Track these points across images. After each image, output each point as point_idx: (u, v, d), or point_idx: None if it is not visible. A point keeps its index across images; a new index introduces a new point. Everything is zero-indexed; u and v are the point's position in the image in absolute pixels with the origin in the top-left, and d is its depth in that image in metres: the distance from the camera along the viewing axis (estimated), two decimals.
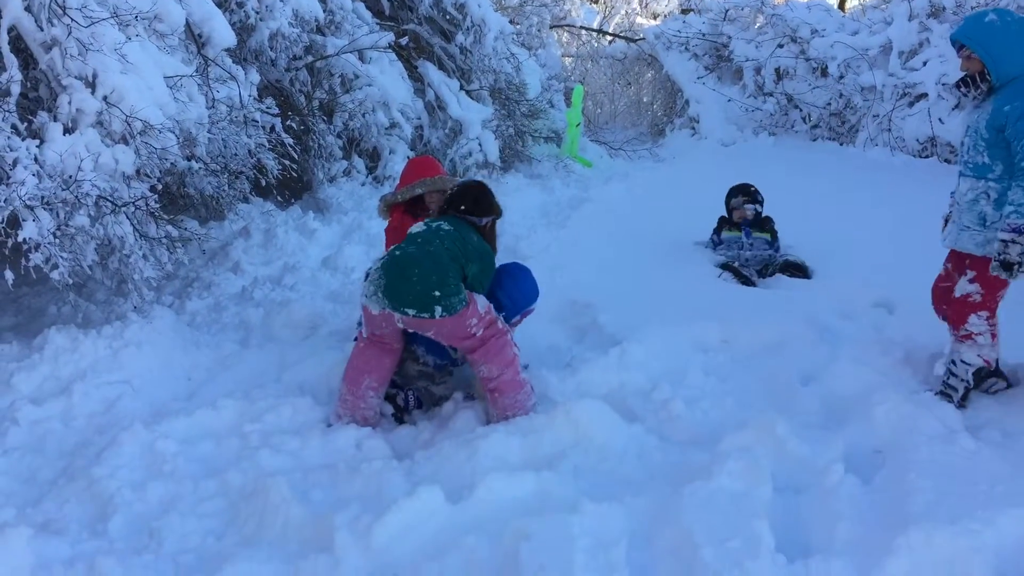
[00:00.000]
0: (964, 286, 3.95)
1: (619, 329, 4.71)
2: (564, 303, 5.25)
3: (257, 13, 6.77)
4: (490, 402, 3.86)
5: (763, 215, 6.55)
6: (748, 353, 4.55)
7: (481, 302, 3.84)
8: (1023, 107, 3.59)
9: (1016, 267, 3.57)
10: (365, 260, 6.49)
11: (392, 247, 3.95)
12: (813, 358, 4.36)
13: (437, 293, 3.65)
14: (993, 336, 3.96)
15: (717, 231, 6.58)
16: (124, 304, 5.02)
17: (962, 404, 3.92)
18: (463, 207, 4.09)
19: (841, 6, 23.53)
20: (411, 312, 3.68)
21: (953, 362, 3.98)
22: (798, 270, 6.04)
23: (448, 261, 3.75)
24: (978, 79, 3.77)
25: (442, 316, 3.67)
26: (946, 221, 4.26)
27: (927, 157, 10.61)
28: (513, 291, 4.19)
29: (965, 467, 3.13)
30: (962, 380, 3.93)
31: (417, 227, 3.99)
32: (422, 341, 4.13)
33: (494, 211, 4.18)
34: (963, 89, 3.85)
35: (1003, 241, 3.60)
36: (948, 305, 4.07)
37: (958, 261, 4.07)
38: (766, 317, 4.99)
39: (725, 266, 6.02)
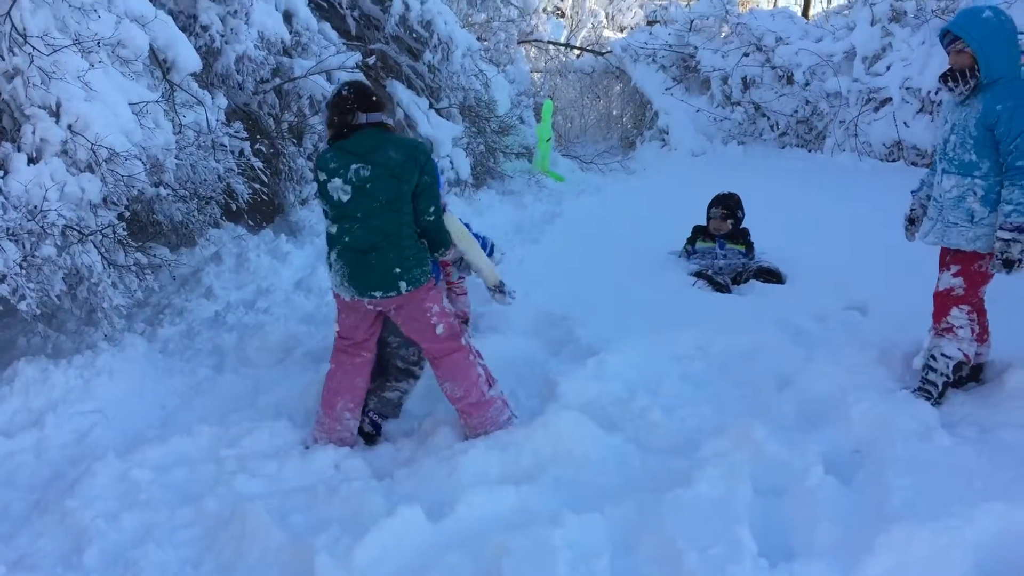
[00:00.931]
0: (947, 279, 4.01)
1: (596, 340, 4.72)
2: (540, 316, 5.24)
3: (222, 36, 6.73)
4: (463, 422, 3.85)
5: (741, 227, 6.58)
6: (724, 359, 4.57)
7: (446, 302, 3.89)
8: (1015, 107, 3.64)
9: (1016, 264, 3.66)
10: None
11: (334, 227, 3.75)
12: (788, 362, 4.38)
13: (398, 270, 3.66)
14: (973, 331, 4.01)
15: (691, 241, 6.60)
16: (95, 333, 4.96)
17: (940, 400, 3.96)
18: (354, 104, 3.67)
19: (805, 12, 23.85)
20: (378, 294, 3.69)
21: (932, 356, 4.02)
22: (772, 276, 6.07)
23: (396, 227, 3.64)
24: (967, 74, 3.75)
25: (408, 290, 3.69)
26: (911, 221, 4.31)
27: (894, 161, 10.74)
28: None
29: (942, 463, 3.15)
30: (941, 374, 3.97)
31: (338, 188, 3.66)
32: (396, 332, 4.14)
33: (388, 111, 3.96)
34: (950, 83, 3.83)
35: (1004, 240, 3.67)
36: (984, 329, 4.13)
37: (941, 258, 4.11)
38: (741, 323, 5.03)
39: (699, 274, 6.04)
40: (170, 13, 6.37)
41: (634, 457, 3.52)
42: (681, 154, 11.79)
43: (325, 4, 8.67)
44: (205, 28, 6.59)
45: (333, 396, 3.88)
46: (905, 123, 10.59)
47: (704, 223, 6.67)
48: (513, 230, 8.09)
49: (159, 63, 5.65)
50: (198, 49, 6.29)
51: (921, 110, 10.55)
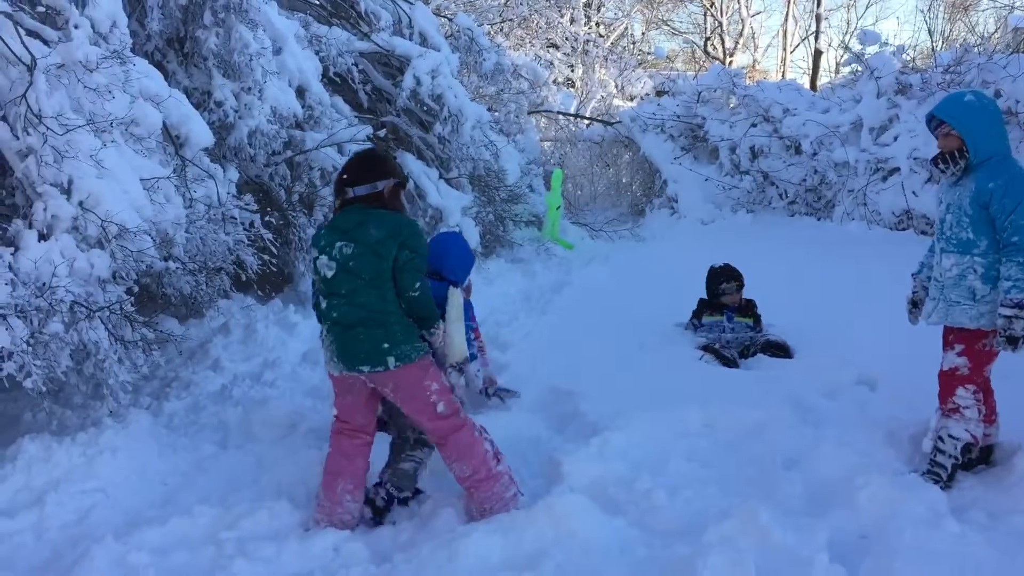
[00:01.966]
0: (951, 359, 4.00)
1: (600, 417, 4.68)
2: (545, 391, 5.22)
3: (236, 112, 6.87)
4: (468, 498, 3.81)
5: (747, 299, 6.57)
6: (730, 437, 4.52)
7: (441, 376, 3.84)
8: (1006, 184, 3.73)
9: (1021, 341, 3.65)
10: None
11: (324, 303, 3.77)
12: (796, 441, 4.33)
13: (386, 345, 3.63)
14: (979, 411, 3.97)
15: (697, 315, 6.58)
16: (100, 408, 4.96)
17: (949, 483, 3.90)
18: (346, 177, 3.74)
19: (812, 85, 24.16)
20: (366, 369, 3.66)
21: (940, 438, 3.98)
22: (780, 350, 6.03)
23: (380, 303, 3.63)
24: (956, 156, 3.87)
25: (397, 366, 3.64)
26: (913, 304, 4.30)
27: (904, 230, 10.74)
28: (456, 264, 4.65)
29: (951, 553, 3.09)
30: (950, 456, 3.93)
31: (324, 265, 3.71)
32: None
33: (390, 174, 3.78)
34: (941, 165, 3.95)
35: (1007, 317, 3.69)
36: (991, 410, 4.11)
37: (945, 337, 4.09)
38: (748, 399, 4.99)
39: (706, 348, 6.01)
40: (185, 90, 6.52)
41: (638, 543, 3.46)
42: (690, 222, 11.85)
43: (338, 79, 8.83)
44: (219, 104, 6.73)
45: (333, 479, 3.85)
46: (914, 192, 10.61)
47: (705, 296, 6.65)
48: (522, 299, 8.11)
49: (172, 139, 5.76)
50: (211, 124, 6.42)
51: (929, 179, 10.56)
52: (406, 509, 4.07)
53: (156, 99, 5.33)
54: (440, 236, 5.06)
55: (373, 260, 3.61)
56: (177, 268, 5.46)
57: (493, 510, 3.73)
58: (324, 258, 3.71)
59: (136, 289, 4.98)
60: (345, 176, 3.76)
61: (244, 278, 6.71)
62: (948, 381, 4.00)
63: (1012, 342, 3.69)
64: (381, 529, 3.86)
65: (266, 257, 6.75)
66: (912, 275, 4.38)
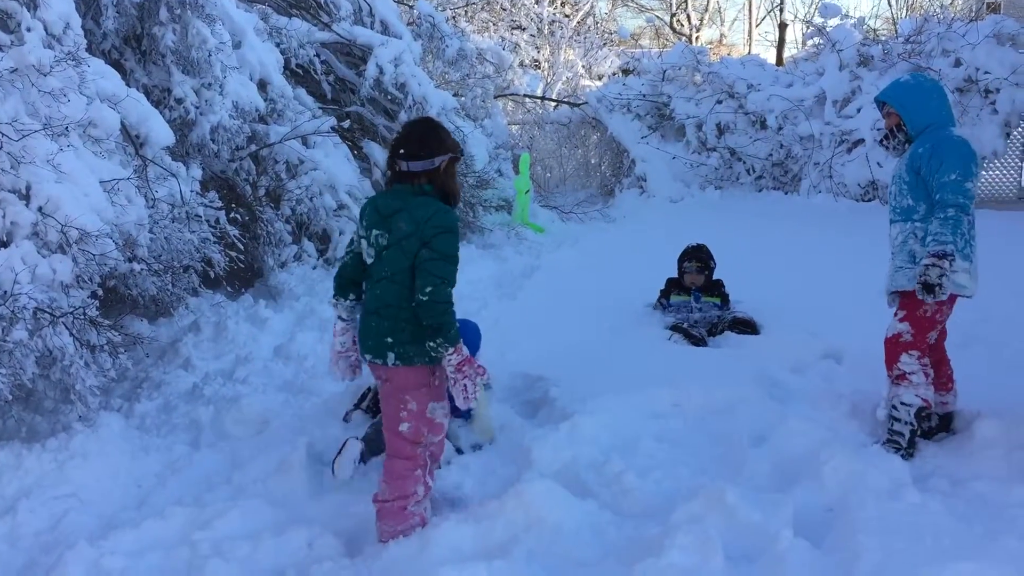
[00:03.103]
0: (895, 325, 4.16)
1: (571, 402, 4.71)
2: (516, 377, 5.25)
3: (197, 108, 6.82)
4: (376, 515, 3.66)
5: (714, 279, 6.63)
6: (700, 416, 4.58)
7: (438, 406, 3.61)
8: (932, 147, 3.95)
9: (937, 288, 3.76)
10: (318, 347, 6.46)
11: (366, 284, 3.68)
12: (764, 417, 4.40)
13: (389, 339, 3.49)
14: (926, 375, 4.09)
15: (665, 294, 6.64)
16: (70, 413, 4.93)
17: (910, 451, 3.98)
18: (403, 151, 3.46)
19: (779, 58, 24.24)
20: (369, 357, 3.60)
21: (894, 406, 4.10)
22: (747, 326, 6.09)
23: (396, 299, 3.45)
24: (895, 131, 4.18)
25: (395, 364, 3.50)
26: None
27: (869, 200, 10.87)
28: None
29: (912, 522, 3.14)
30: (906, 423, 4.03)
31: (366, 251, 3.58)
32: None
33: (449, 148, 3.50)
34: (886, 142, 4.28)
35: (924, 266, 3.83)
36: (948, 379, 4.30)
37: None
38: (717, 377, 5.05)
39: (675, 327, 6.06)
40: (143, 88, 6.47)
41: (609, 525, 3.50)
42: (660, 200, 11.92)
43: (300, 71, 8.78)
44: (179, 101, 6.68)
45: None
46: (879, 163, 10.73)
47: (675, 275, 6.72)
48: (493, 285, 8.12)
49: (131, 139, 5.72)
50: (172, 121, 6.37)
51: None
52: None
53: (113, 99, 5.28)
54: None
55: (399, 256, 3.42)
56: (142, 269, 5.42)
57: (390, 536, 3.58)
58: (365, 243, 3.57)
59: (100, 293, 4.95)
60: (401, 149, 3.47)
61: (212, 275, 6.68)
62: (892, 348, 4.15)
63: (928, 289, 3.78)
64: (354, 521, 3.86)
65: (233, 254, 6.72)
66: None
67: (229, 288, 7.53)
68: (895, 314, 4.17)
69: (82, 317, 4.59)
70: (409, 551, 3.40)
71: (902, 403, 4.05)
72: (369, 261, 3.58)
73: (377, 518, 3.63)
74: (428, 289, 3.34)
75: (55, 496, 4.18)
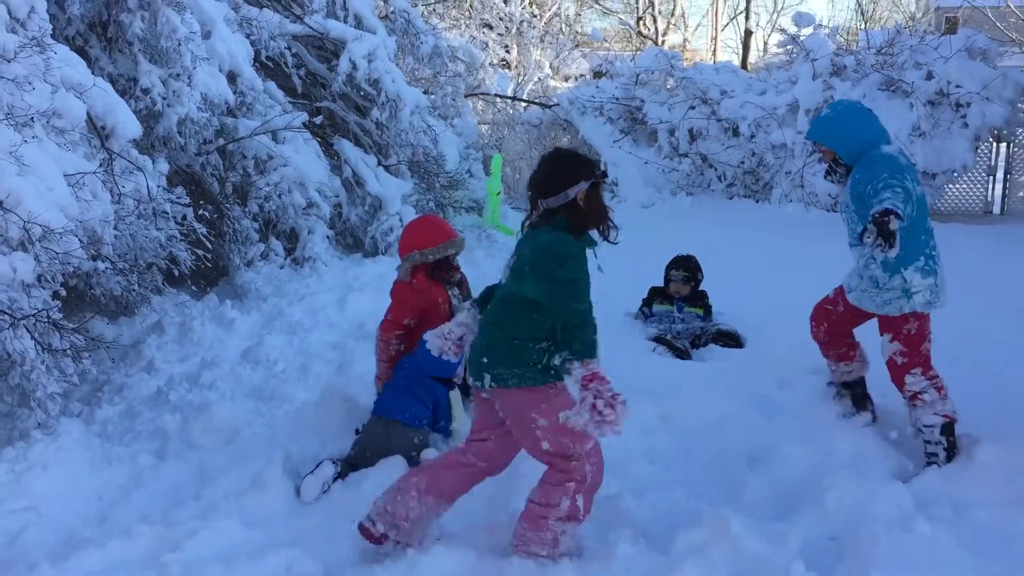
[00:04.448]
0: (887, 348, 4.18)
1: None
2: None
3: (164, 99, 6.54)
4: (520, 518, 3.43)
5: (699, 289, 6.52)
6: (690, 433, 4.44)
7: (564, 416, 3.27)
8: (865, 170, 3.99)
9: (888, 239, 3.51)
10: (287, 350, 6.23)
11: None
12: (757, 437, 4.28)
13: (484, 360, 3.30)
14: (938, 388, 4.09)
15: (648, 303, 6.52)
16: (28, 419, 4.66)
17: (950, 454, 4.02)
18: (530, 193, 3.36)
19: (743, 64, 24.37)
20: (471, 379, 3.43)
21: (919, 429, 4.10)
22: (731, 339, 5.99)
23: (497, 318, 3.33)
24: (835, 165, 4.23)
25: (492, 386, 3.29)
26: None
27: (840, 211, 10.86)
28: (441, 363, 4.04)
29: (926, 556, 3.04)
30: (936, 443, 4.04)
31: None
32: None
33: (580, 176, 3.29)
34: (830, 176, 4.33)
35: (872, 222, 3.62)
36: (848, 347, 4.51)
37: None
38: (704, 392, 4.94)
39: (658, 339, 5.94)
40: (109, 77, 6.18)
41: (607, 553, 3.33)
42: (631, 205, 11.82)
43: (270, 64, 8.52)
44: (146, 91, 6.41)
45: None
46: None
47: (659, 284, 6.60)
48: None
49: (97, 131, 5.44)
50: (138, 112, 6.09)
51: None
52: (362, 514, 3.84)
53: (79, 88, 5.00)
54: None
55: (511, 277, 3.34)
56: (107, 268, 5.16)
57: (522, 544, 3.33)
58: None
59: (63, 293, 4.69)
60: (529, 191, 3.38)
61: (177, 273, 6.42)
62: (894, 371, 4.17)
63: (887, 239, 3.52)
64: (335, 544, 3.65)
65: (200, 252, 6.47)
66: None
67: (193, 287, 7.27)
68: (882, 335, 4.19)
69: (45, 320, 4.33)
70: None
71: (925, 426, 4.06)
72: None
73: (522, 515, 3.38)
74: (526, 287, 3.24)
75: (12, 510, 3.92)
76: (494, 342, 3.31)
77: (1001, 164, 11.97)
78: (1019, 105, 11.05)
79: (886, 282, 4.01)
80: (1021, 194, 11.98)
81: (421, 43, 9.97)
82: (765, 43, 34.24)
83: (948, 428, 4.03)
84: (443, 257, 4.62)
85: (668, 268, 6.55)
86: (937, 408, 4.04)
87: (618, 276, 7.46)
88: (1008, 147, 11.88)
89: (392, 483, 3.52)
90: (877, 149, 4.08)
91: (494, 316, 3.37)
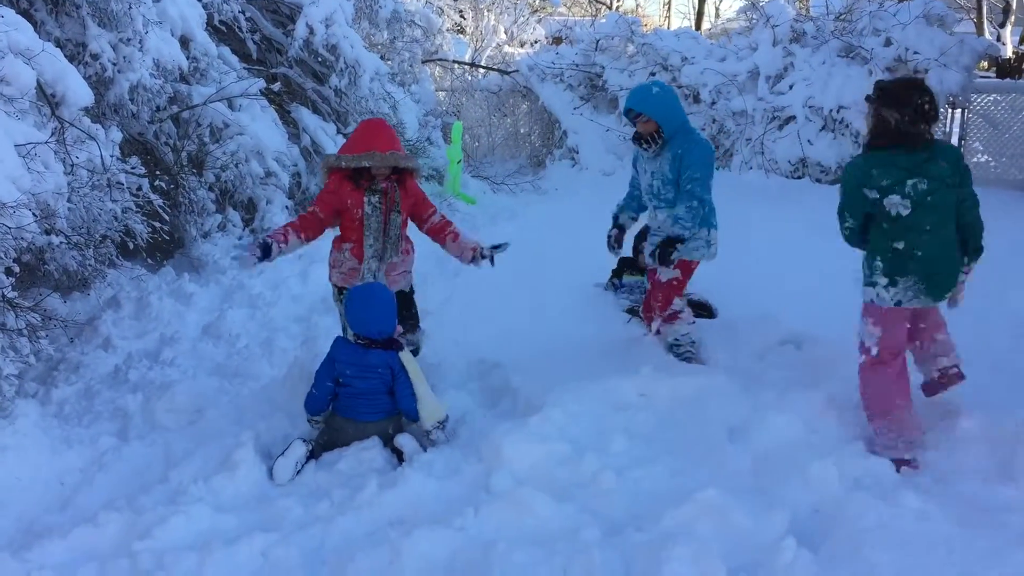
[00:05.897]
0: (668, 272, 5.01)
1: (534, 391, 4.43)
2: (472, 365, 5.00)
3: (115, 65, 6.26)
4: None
5: None
6: (669, 407, 4.36)
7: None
8: (687, 149, 4.78)
9: (670, 262, 4.88)
10: (250, 325, 6.08)
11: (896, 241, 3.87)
12: (735, 409, 4.20)
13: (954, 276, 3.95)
14: (688, 311, 5.23)
15: (617, 274, 6.44)
16: None
17: (693, 350, 5.12)
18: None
19: (697, 27, 24.28)
20: (936, 298, 3.95)
21: (672, 344, 5.13)
22: (703, 309, 5.95)
23: (953, 242, 3.91)
24: (655, 136, 4.84)
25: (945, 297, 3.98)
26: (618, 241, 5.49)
27: (799, 177, 10.90)
28: (371, 317, 4.26)
29: (916, 533, 3.02)
30: (686, 349, 5.11)
31: (898, 203, 3.83)
32: None
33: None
34: (644, 145, 4.92)
35: (662, 245, 4.86)
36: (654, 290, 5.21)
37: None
38: (680, 365, 4.94)
39: (631, 311, 5.88)
40: (56, 42, 5.90)
41: (592, 533, 3.26)
42: (592, 173, 11.71)
43: (224, 28, 8.24)
44: (95, 57, 6.13)
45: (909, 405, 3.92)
46: (809, 140, 10.75)
47: (628, 255, 6.52)
48: (434, 260, 7.77)
49: (47, 98, 5.18)
50: (88, 79, 5.82)
51: (824, 128, 10.73)
52: (339, 497, 3.73)
53: (28, 54, 4.75)
54: (352, 293, 4.41)
55: (948, 193, 3.78)
56: (61, 243, 4.94)
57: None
58: (896, 197, 3.75)
59: (16, 269, 4.48)
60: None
61: (132, 246, 6.19)
62: (668, 292, 5.08)
63: (663, 261, 4.85)
64: (312, 528, 3.54)
65: (157, 224, 6.25)
66: (613, 216, 5.52)
67: (149, 260, 7.04)
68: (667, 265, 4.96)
69: (0, 299, 4.12)
70: (379, 563, 3.13)
71: (679, 337, 5.11)
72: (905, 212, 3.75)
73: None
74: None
75: None
76: (958, 257, 3.88)
77: (956, 130, 12.08)
78: (975, 72, 11.12)
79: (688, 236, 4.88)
80: (975, 159, 12.11)
81: (380, 7, 9.73)
82: (717, 9, 34.19)
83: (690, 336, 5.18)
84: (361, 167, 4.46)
85: (637, 239, 6.48)
86: (687, 317, 5.15)
87: (583, 245, 7.47)
88: (963, 113, 11.97)
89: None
90: (694, 133, 4.90)
91: (951, 235, 3.83)
